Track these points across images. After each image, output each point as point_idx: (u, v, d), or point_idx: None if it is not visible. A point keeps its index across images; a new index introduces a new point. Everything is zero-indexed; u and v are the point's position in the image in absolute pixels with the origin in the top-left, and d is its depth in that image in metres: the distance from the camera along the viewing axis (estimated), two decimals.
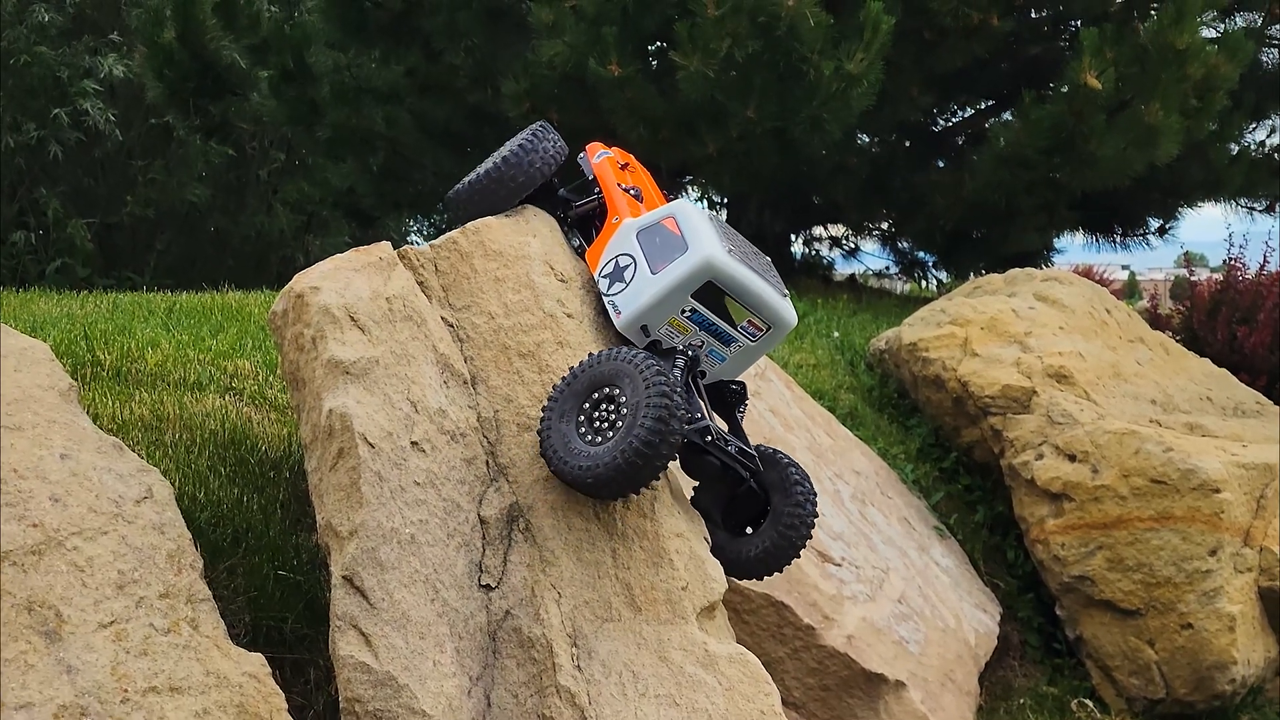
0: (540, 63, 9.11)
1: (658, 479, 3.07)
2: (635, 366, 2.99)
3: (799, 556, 3.46)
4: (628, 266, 3.38)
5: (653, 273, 3.31)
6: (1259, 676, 6.03)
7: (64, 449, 2.80)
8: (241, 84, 11.65)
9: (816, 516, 3.43)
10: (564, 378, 3.12)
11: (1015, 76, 10.78)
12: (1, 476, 2.63)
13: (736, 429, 3.53)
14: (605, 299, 3.41)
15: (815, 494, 3.44)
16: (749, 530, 3.51)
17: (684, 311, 3.30)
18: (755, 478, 3.43)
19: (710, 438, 3.29)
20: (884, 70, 8.70)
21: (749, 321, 3.35)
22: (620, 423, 2.97)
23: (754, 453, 3.45)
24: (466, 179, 3.69)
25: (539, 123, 3.74)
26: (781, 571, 3.48)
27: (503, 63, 9.75)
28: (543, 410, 3.11)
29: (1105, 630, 6.07)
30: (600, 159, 3.78)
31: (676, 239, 3.31)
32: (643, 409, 2.92)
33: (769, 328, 3.39)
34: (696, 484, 3.53)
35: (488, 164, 3.66)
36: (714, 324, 3.33)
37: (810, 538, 3.44)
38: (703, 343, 3.35)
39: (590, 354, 3.15)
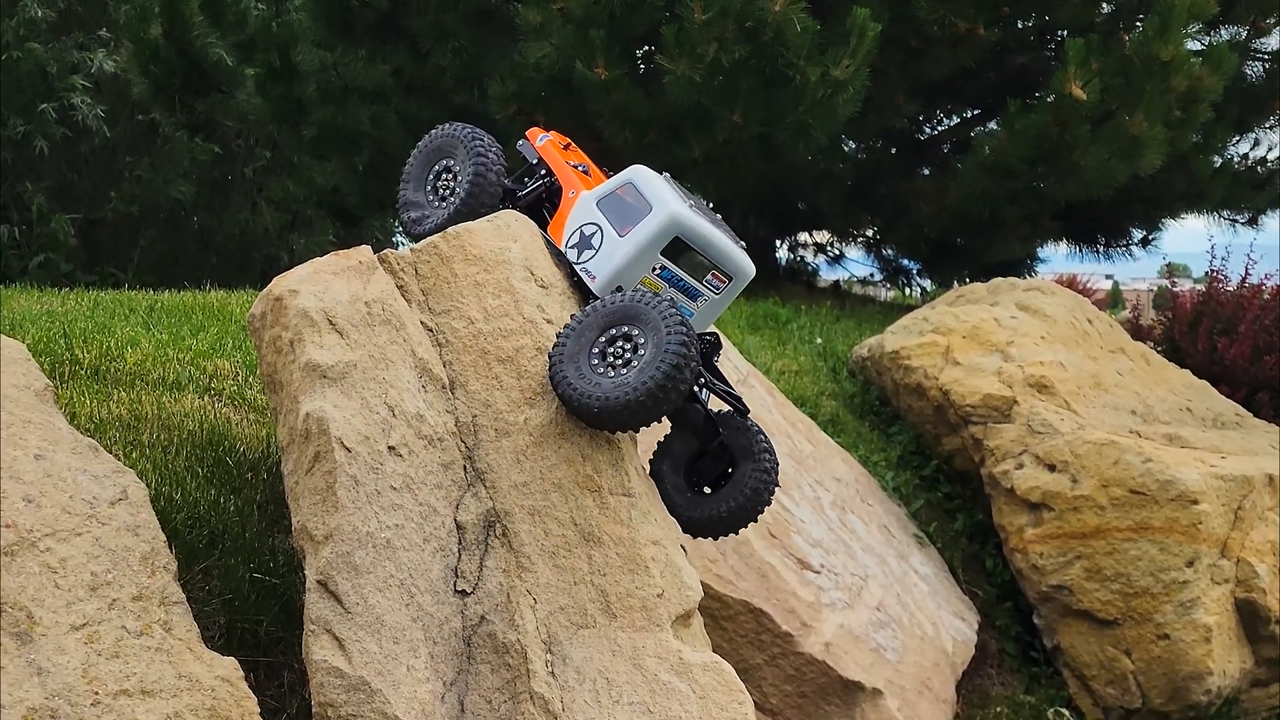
0: (527, 64, 9.10)
1: (660, 421, 3.19)
2: (657, 311, 3.12)
3: (756, 521, 3.58)
4: (594, 234, 3.51)
5: (620, 236, 3.44)
6: (1234, 687, 6.06)
7: (39, 449, 2.79)
8: (228, 81, 11.61)
9: (778, 484, 3.54)
10: (582, 310, 3.25)
11: (1001, 86, 10.79)
12: None
13: (718, 375, 3.64)
14: (577, 268, 3.52)
15: (778, 462, 3.55)
16: (705, 490, 3.60)
17: (655, 269, 3.42)
18: (723, 439, 3.55)
19: (702, 378, 3.43)
20: (870, 77, 8.71)
21: (712, 275, 3.48)
22: (635, 360, 3.10)
23: (739, 394, 3.60)
24: (440, 214, 3.73)
25: (467, 129, 3.80)
26: (737, 533, 3.60)
27: (489, 64, 9.74)
28: (557, 337, 3.23)
29: (1083, 639, 6.09)
30: (543, 141, 3.89)
31: (639, 201, 3.46)
32: (663, 351, 3.05)
33: (730, 279, 3.51)
34: (667, 433, 3.63)
35: (460, 191, 3.71)
36: (682, 279, 3.45)
37: (770, 504, 3.55)
38: (672, 299, 3.40)
39: (614, 293, 3.28)
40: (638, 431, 3.29)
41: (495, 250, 3.42)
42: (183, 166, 14.28)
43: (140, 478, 3.03)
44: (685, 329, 3.09)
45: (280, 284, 3.11)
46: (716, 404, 3.62)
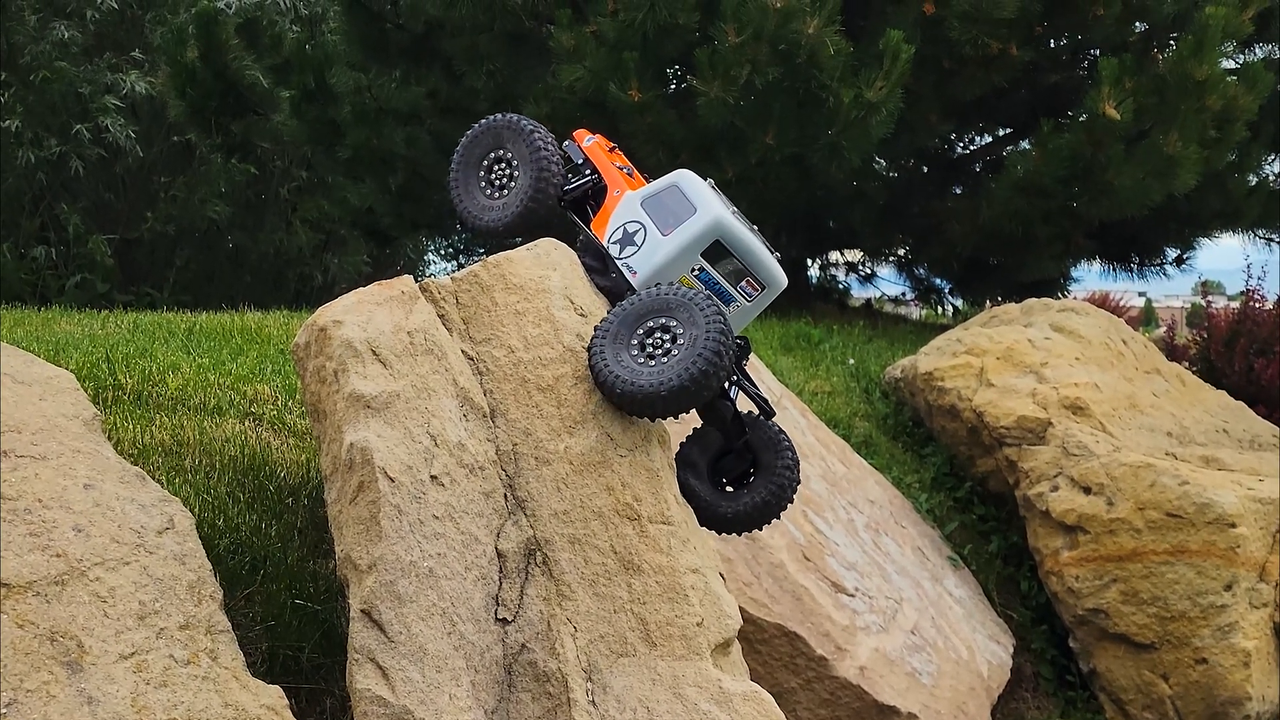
0: (560, 87, 9.15)
1: (699, 407, 3.33)
2: (695, 302, 3.24)
3: (778, 518, 3.68)
4: (636, 231, 3.61)
5: (663, 235, 3.55)
6: (1273, 713, 6.01)
7: (88, 479, 2.83)
8: (263, 103, 11.70)
9: (799, 484, 3.65)
10: (617, 307, 3.35)
11: (1034, 105, 10.77)
12: (27, 506, 2.66)
13: (746, 377, 3.73)
14: (619, 263, 3.61)
15: (799, 462, 3.67)
16: (728, 488, 3.71)
17: (694, 271, 3.53)
18: (748, 438, 3.66)
19: (734, 376, 3.55)
20: (903, 98, 8.72)
21: (746, 282, 3.58)
22: (675, 350, 3.22)
23: (766, 396, 3.73)
24: (509, 211, 3.77)
25: (528, 122, 3.82)
26: (761, 529, 3.70)
27: (523, 86, 9.79)
28: (595, 330, 3.34)
29: (1119, 663, 6.06)
30: (590, 143, 3.98)
31: (684, 203, 3.57)
32: (702, 339, 3.18)
33: (764, 287, 3.61)
34: (693, 431, 3.73)
35: (524, 192, 3.74)
36: (717, 283, 3.56)
37: (790, 504, 3.65)
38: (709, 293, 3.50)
39: (654, 286, 3.38)
40: (676, 419, 3.37)
41: (535, 279, 3.44)
42: (218, 187, 14.38)
43: (183, 504, 3.07)
44: (723, 320, 3.22)
45: (324, 314, 3.14)
46: (742, 407, 3.72)
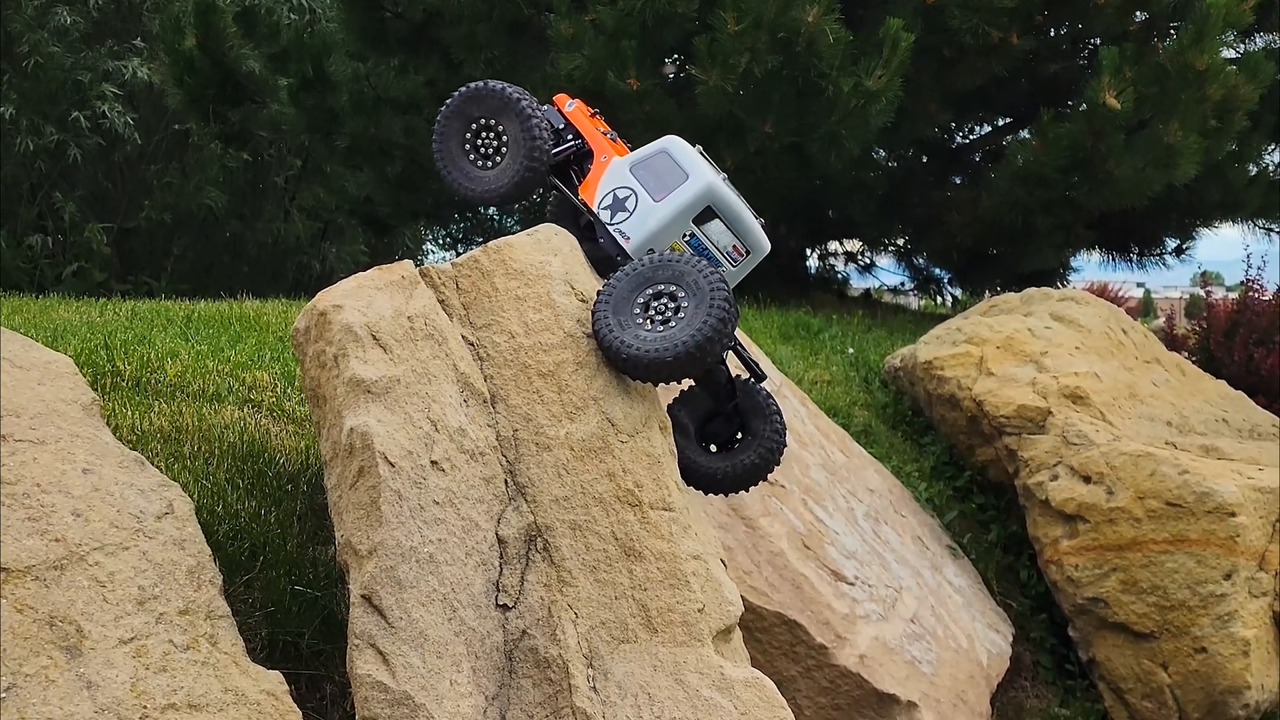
0: (559, 75, 9.12)
1: (707, 369, 3.40)
2: (699, 270, 3.29)
3: (765, 480, 3.77)
4: (627, 197, 3.63)
5: (655, 201, 3.58)
6: (1272, 702, 6.01)
7: (86, 463, 2.81)
8: (261, 92, 11.68)
9: (784, 449, 3.74)
10: (616, 275, 3.37)
11: (1034, 95, 10.76)
12: (26, 490, 2.65)
13: (736, 341, 3.77)
14: (610, 228, 3.63)
15: (786, 428, 3.76)
16: (715, 450, 3.79)
17: (685, 236, 3.57)
18: (738, 402, 3.74)
19: (733, 342, 3.58)
20: (902, 87, 8.70)
21: (733, 247, 3.63)
22: (684, 304, 3.25)
23: (756, 360, 3.81)
24: (503, 180, 3.79)
25: (514, 90, 3.82)
26: (753, 487, 3.76)
27: (522, 75, 9.76)
28: (599, 294, 3.35)
29: (1118, 653, 6.06)
30: (571, 107, 3.99)
31: (674, 169, 3.60)
32: (706, 304, 3.21)
33: (749, 253, 3.65)
34: (680, 393, 3.79)
35: (519, 159, 3.76)
36: (705, 249, 3.60)
37: (777, 466, 3.75)
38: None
39: (648, 254, 3.42)
40: (674, 383, 3.41)
41: (536, 264, 3.43)
42: (212, 174, 14.34)
43: (182, 490, 3.06)
44: (726, 287, 3.25)
45: (324, 299, 3.12)
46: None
